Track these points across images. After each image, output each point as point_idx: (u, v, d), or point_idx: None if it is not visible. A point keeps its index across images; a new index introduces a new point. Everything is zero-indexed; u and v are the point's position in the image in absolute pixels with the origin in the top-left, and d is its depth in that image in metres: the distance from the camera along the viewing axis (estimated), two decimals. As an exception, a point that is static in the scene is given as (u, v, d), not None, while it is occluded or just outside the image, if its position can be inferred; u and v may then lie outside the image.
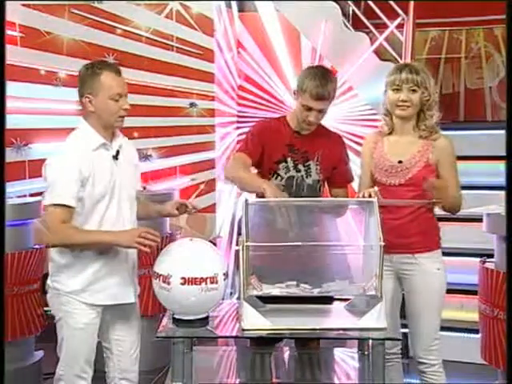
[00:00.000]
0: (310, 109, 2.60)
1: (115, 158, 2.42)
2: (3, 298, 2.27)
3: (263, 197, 2.43)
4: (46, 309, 3.46)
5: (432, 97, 2.59)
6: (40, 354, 3.52)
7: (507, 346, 2.28)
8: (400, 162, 2.61)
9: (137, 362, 2.57)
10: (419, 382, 2.68)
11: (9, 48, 4.24)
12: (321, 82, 2.56)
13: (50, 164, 2.37)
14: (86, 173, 2.33)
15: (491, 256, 3.23)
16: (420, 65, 2.72)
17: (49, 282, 2.46)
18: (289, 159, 2.68)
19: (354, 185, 2.89)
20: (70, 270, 2.40)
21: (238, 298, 2.54)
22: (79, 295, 2.39)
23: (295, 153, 2.69)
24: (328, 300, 2.38)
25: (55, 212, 2.31)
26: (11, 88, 4.23)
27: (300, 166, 2.69)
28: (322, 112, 2.63)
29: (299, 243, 2.26)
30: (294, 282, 2.27)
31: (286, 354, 2.88)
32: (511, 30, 2.28)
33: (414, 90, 2.56)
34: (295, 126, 2.70)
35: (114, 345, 2.52)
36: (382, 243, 2.17)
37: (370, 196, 2.42)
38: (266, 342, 2.67)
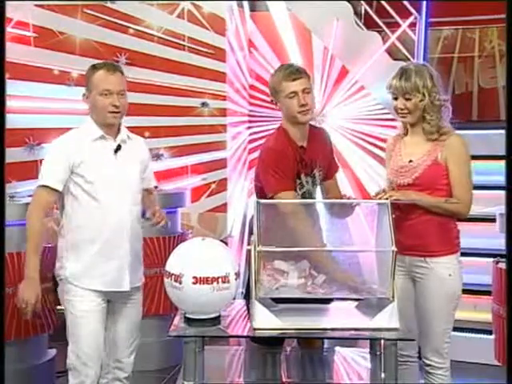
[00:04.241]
0: (295, 93, 2.58)
1: (115, 151, 2.51)
2: (3, 298, 2.30)
3: None
4: (58, 307, 3.49)
5: (428, 101, 2.51)
6: (53, 351, 3.53)
7: (507, 344, 2.26)
8: (410, 161, 2.59)
9: (132, 354, 2.62)
10: (423, 382, 2.62)
11: (22, 48, 4.36)
12: (286, 66, 2.68)
13: (47, 151, 2.56)
14: (76, 159, 2.45)
15: (505, 256, 3.20)
16: (418, 67, 2.57)
17: (55, 270, 2.55)
18: (302, 175, 2.66)
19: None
20: (69, 254, 2.50)
21: (245, 297, 2.55)
22: (76, 280, 2.47)
23: (304, 167, 2.67)
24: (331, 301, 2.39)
25: (39, 192, 2.47)
26: (24, 87, 4.32)
27: (308, 179, 2.68)
28: (307, 93, 2.59)
29: (311, 248, 2.26)
30: (307, 266, 2.26)
31: (296, 354, 2.87)
32: (511, 30, 2.27)
33: (407, 98, 2.53)
34: (297, 139, 2.66)
35: (112, 333, 2.57)
36: (395, 249, 2.16)
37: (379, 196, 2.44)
38: (264, 342, 2.65)
